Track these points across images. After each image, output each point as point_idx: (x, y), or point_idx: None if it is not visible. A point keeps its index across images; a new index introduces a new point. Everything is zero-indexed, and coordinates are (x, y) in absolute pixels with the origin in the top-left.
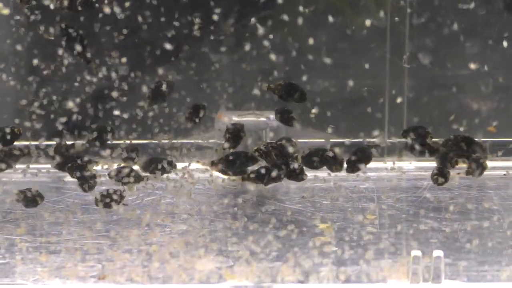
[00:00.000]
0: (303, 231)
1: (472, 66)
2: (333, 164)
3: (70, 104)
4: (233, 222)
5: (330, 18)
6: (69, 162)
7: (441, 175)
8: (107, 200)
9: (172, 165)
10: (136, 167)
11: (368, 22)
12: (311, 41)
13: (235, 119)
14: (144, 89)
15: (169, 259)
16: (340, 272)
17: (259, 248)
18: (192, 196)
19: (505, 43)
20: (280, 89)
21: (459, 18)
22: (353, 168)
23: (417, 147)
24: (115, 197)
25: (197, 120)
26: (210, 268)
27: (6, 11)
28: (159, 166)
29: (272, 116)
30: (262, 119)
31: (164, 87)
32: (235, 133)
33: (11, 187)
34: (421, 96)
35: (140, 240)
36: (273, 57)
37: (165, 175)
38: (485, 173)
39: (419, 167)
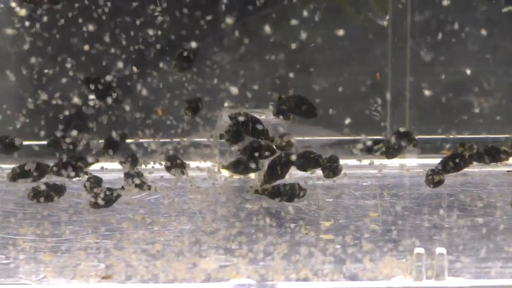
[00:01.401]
0: (306, 229)
1: (427, 92)
2: (328, 169)
3: (75, 100)
4: (236, 220)
5: (332, 16)
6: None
7: (436, 176)
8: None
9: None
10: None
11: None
12: (312, 39)
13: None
14: (145, 92)
15: (173, 258)
16: (344, 270)
17: (262, 246)
18: (195, 194)
19: (468, 71)
20: (290, 101)
21: (460, 15)
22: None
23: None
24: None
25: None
26: (213, 267)
27: (22, 12)
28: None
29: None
30: (264, 117)
31: (187, 53)
32: (237, 131)
33: (14, 187)
34: (423, 94)
35: (143, 239)
36: (274, 55)
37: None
38: (488, 169)
39: (421, 164)
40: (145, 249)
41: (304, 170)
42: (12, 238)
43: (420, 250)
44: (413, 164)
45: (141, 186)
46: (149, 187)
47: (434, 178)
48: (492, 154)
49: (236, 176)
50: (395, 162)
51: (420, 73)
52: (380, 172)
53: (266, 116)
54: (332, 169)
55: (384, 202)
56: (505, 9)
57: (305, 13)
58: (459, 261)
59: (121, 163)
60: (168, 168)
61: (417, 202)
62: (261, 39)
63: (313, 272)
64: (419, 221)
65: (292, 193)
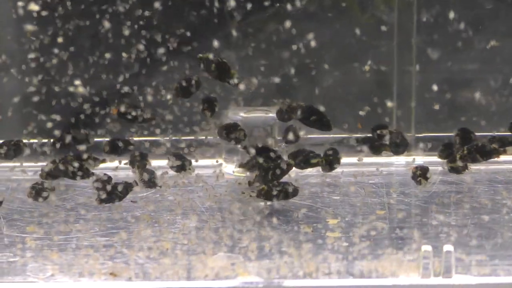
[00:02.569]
0: (313, 227)
1: (389, 104)
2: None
3: (80, 89)
4: (243, 218)
5: (337, 15)
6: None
7: (423, 176)
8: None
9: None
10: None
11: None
12: (316, 37)
13: (243, 115)
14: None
15: (181, 255)
16: (351, 267)
17: (269, 244)
18: (202, 193)
19: (434, 87)
20: (297, 111)
21: (466, 13)
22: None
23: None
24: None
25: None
26: (221, 265)
27: (35, 7)
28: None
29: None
30: (271, 115)
31: (193, 84)
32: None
33: (20, 185)
34: (429, 92)
35: (150, 236)
36: (280, 53)
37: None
38: (494, 167)
39: (427, 162)
40: (152, 247)
41: (300, 168)
42: (19, 236)
43: (428, 247)
44: (420, 161)
45: (152, 185)
46: (160, 186)
47: (420, 181)
48: (483, 152)
49: (243, 174)
50: (401, 159)
51: (426, 71)
52: (381, 169)
53: (272, 114)
54: (328, 161)
55: (391, 199)
56: (490, 44)
57: (309, 12)
58: (467, 258)
59: (129, 163)
60: (173, 167)
61: (424, 199)
62: (266, 38)
63: (320, 269)
64: (426, 219)
65: (286, 192)
